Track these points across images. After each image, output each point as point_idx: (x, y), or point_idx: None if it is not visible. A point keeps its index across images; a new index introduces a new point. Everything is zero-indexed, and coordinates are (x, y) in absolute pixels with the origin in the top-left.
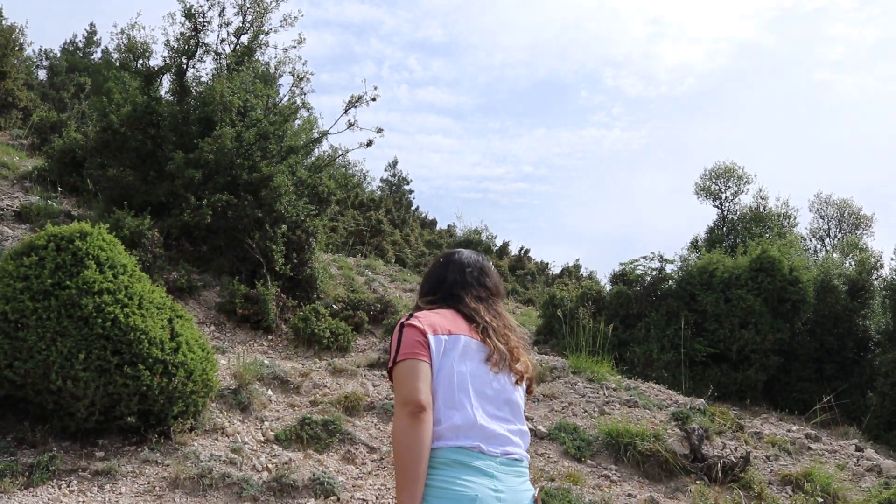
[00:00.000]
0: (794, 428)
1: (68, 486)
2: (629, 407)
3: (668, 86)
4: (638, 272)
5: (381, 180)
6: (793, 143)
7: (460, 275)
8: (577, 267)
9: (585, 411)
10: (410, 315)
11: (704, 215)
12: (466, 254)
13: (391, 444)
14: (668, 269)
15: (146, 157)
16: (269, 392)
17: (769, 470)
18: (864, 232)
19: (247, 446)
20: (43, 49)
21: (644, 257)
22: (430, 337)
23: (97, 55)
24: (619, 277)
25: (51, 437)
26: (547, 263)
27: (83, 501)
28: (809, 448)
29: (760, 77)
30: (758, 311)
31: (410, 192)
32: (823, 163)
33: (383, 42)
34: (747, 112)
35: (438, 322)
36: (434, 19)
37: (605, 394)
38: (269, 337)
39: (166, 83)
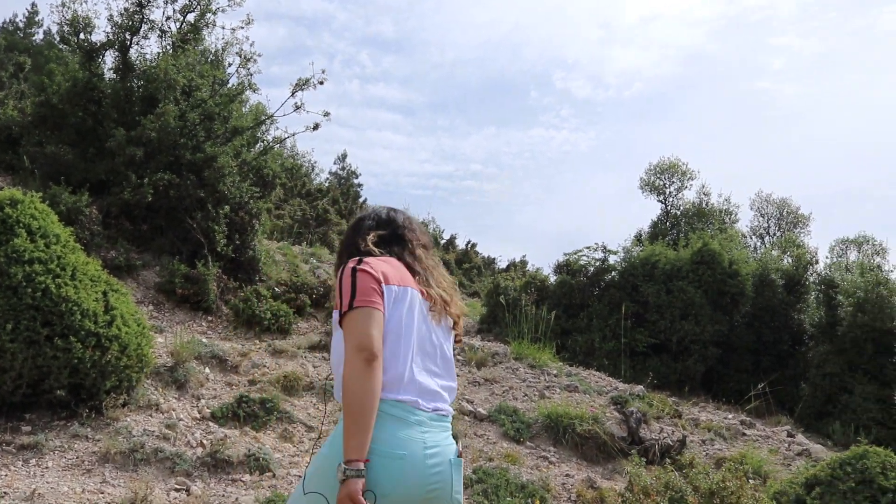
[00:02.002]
0: (730, 416)
1: None
2: (569, 392)
3: (616, 89)
4: (581, 262)
5: (330, 173)
6: (735, 148)
7: (408, 221)
8: (523, 262)
9: (526, 395)
10: (360, 260)
11: (649, 214)
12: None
13: (343, 390)
14: (612, 260)
15: (86, 134)
16: (207, 370)
17: (704, 453)
18: (802, 230)
19: (182, 423)
20: None
21: (588, 248)
22: (384, 286)
23: (39, 36)
24: (563, 267)
25: None
26: (493, 258)
27: (6, 476)
28: (744, 434)
29: (706, 83)
30: (698, 303)
31: (360, 185)
32: (764, 166)
33: (335, 36)
34: (693, 117)
35: (389, 271)
36: (386, 15)
37: (546, 379)
38: (209, 318)
39: (109, 61)
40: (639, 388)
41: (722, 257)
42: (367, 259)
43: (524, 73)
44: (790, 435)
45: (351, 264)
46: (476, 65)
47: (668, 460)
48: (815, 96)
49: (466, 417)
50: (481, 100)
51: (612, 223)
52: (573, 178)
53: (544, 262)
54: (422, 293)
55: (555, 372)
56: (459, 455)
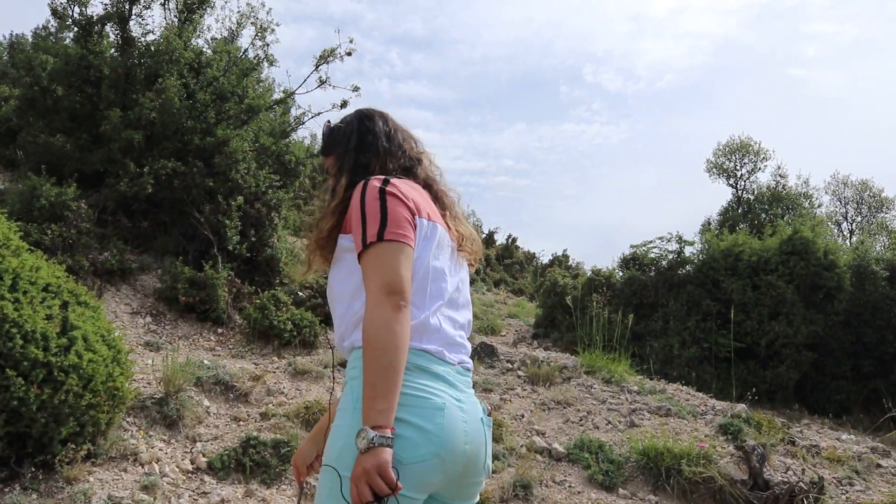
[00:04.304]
0: (844, 437)
1: None
2: (661, 416)
3: (648, 81)
4: (652, 255)
5: None
6: (772, 138)
7: (413, 140)
8: (565, 257)
9: (609, 422)
10: (387, 180)
11: (688, 208)
12: None
13: (369, 341)
14: (688, 251)
15: (83, 119)
16: (206, 402)
17: (844, 498)
18: (886, 215)
19: (166, 480)
20: (14, 34)
21: (660, 238)
22: (417, 218)
23: (69, 40)
24: (631, 261)
25: None
26: (535, 253)
27: None
28: (878, 465)
29: (740, 73)
30: (789, 300)
31: None
32: (805, 154)
33: (364, 36)
34: (727, 107)
35: (420, 201)
36: (415, 13)
37: (628, 399)
38: (220, 330)
39: (113, 38)
40: (740, 408)
41: (816, 246)
42: (393, 180)
43: (554, 67)
44: None
45: (376, 183)
46: (506, 61)
47: None
48: (854, 82)
49: (540, 456)
50: (512, 95)
51: (647, 216)
52: (607, 172)
53: (583, 257)
54: (446, 228)
55: (636, 388)
56: (489, 413)
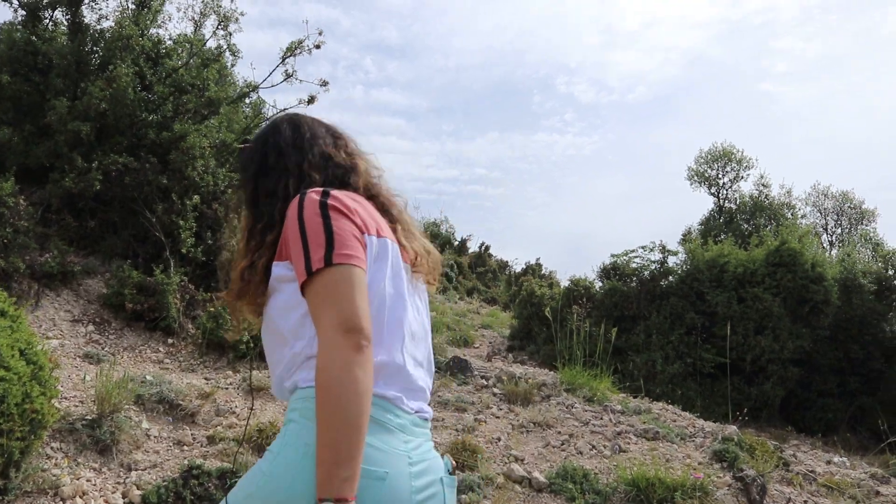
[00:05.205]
0: (836, 459)
1: None
2: (649, 439)
3: (620, 93)
4: (634, 265)
5: None
6: (745, 150)
7: (343, 141)
8: (538, 265)
9: (593, 447)
10: (326, 192)
11: (660, 218)
12: None
13: (326, 391)
14: (671, 262)
15: (29, 110)
16: (146, 424)
17: None
18: (867, 227)
19: None
20: None
21: (643, 248)
22: (366, 236)
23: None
24: (611, 271)
25: None
26: (508, 262)
27: None
28: (878, 493)
29: (710, 87)
30: (776, 314)
31: None
32: (776, 169)
33: (339, 42)
34: (697, 120)
35: (364, 215)
36: (390, 21)
37: (612, 420)
38: (170, 340)
39: (63, 24)
40: (731, 430)
41: (804, 258)
42: (334, 192)
43: (527, 77)
44: None
45: (315, 196)
46: (479, 70)
47: None
48: (823, 98)
49: (519, 487)
50: (485, 104)
51: (618, 226)
52: (578, 182)
53: (555, 265)
54: (402, 248)
55: (619, 408)
56: (452, 471)
